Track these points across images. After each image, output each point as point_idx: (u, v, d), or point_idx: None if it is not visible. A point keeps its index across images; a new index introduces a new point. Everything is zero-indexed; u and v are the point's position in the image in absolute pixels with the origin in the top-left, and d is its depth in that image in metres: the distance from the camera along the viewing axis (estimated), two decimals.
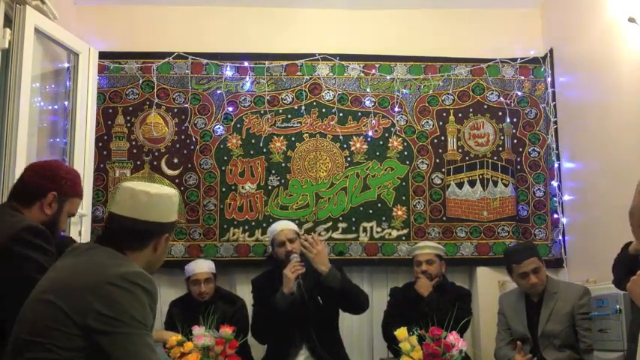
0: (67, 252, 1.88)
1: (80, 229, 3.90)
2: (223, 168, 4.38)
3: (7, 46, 3.38)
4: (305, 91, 4.48)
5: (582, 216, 4.16)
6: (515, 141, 4.50)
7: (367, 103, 4.49)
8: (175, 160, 4.39)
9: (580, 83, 4.16)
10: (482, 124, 4.51)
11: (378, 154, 4.43)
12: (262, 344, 3.78)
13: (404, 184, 4.40)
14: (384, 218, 4.35)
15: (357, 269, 4.33)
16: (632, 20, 3.31)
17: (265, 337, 3.70)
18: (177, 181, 4.35)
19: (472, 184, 4.43)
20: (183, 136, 4.41)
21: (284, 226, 3.74)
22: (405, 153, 4.44)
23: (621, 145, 3.56)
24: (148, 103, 4.43)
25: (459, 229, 4.37)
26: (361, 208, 4.36)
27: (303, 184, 4.38)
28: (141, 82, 4.44)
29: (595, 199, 3.93)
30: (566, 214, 4.34)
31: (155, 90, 4.44)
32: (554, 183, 4.41)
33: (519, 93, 4.54)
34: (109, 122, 4.40)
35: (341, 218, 4.34)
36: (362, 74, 4.52)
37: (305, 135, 4.44)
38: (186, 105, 4.43)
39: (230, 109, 4.44)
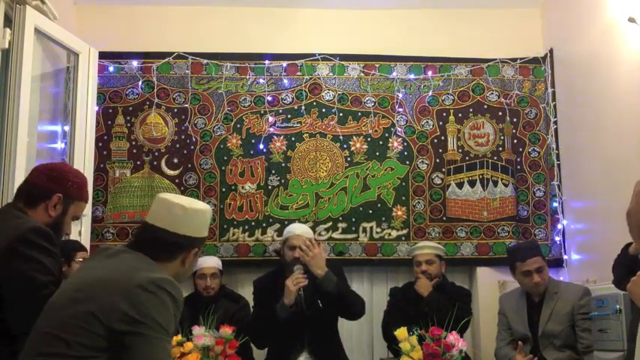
0: (97, 252, 1.92)
1: (80, 229, 3.90)
2: (223, 168, 4.38)
3: (7, 46, 3.38)
4: (305, 91, 4.49)
5: (582, 216, 4.16)
6: (515, 141, 4.51)
7: (367, 103, 4.49)
8: (175, 160, 4.39)
9: (580, 83, 4.16)
10: (482, 124, 4.51)
11: (378, 154, 4.43)
12: (258, 348, 3.72)
13: (404, 184, 4.40)
14: (383, 218, 4.35)
15: (357, 269, 4.34)
16: (632, 20, 3.31)
17: (261, 341, 3.65)
18: (177, 181, 4.35)
19: (472, 184, 4.43)
20: (183, 136, 4.41)
21: (302, 232, 3.64)
22: (405, 153, 4.44)
23: (621, 145, 3.56)
24: (148, 103, 4.43)
25: (459, 229, 4.37)
26: (361, 208, 4.36)
27: (303, 184, 4.38)
28: (141, 82, 4.45)
29: (595, 199, 3.93)
30: (566, 214, 4.34)
31: (155, 90, 4.44)
32: (554, 183, 4.41)
33: (519, 93, 4.55)
34: (109, 122, 4.40)
35: (341, 218, 4.34)
36: (362, 74, 4.53)
37: (305, 135, 4.45)
38: (186, 105, 4.44)
39: (230, 109, 4.44)
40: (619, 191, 3.15)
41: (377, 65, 4.54)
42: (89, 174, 4.09)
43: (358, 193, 4.38)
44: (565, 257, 4.31)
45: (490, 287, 4.30)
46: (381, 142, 4.45)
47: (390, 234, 4.34)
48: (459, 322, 3.26)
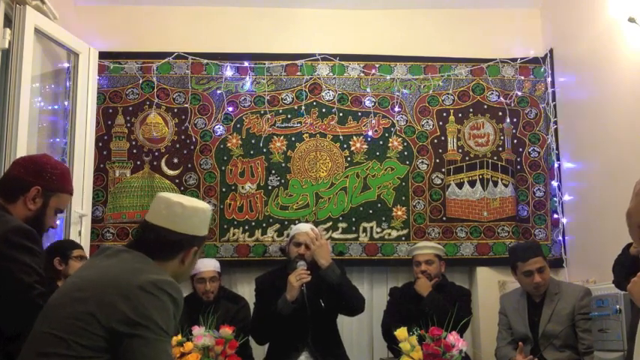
0: (97, 252, 1.91)
1: (80, 229, 3.91)
2: (223, 168, 4.38)
3: (7, 46, 3.38)
4: (305, 91, 4.49)
5: (582, 216, 4.15)
6: (515, 141, 4.50)
7: (367, 103, 4.49)
8: (175, 160, 4.39)
9: (580, 83, 4.16)
10: (482, 124, 4.51)
11: (378, 154, 4.43)
12: (259, 344, 3.76)
13: (404, 184, 4.40)
14: (383, 218, 4.35)
15: (357, 269, 4.33)
16: (632, 20, 3.32)
17: (263, 338, 3.69)
18: (177, 181, 4.35)
19: (472, 184, 4.43)
20: (183, 136, 4.41)
21: (308, 230, 3.71)
22: (405, 153, 4.44)
23: (621, 145, 3.56)
24: (148, 103, 4.43)
25: (459, 229, 4.37)
26: (361, 208, 4.36)
27: (303, 184, 4.38)
28: (141, 82, 4.44)
29: (595, 199, 3.93)
30: (566, 214, 4.34)
31: (155, 90, 4.44)
32: (554, 183, 4.41)
33: (519, 93, 4.55)
34: (109, 122, 4.40)
35: (341, 218, 4.34)
36: (362, 74, 4.53)
37: (305, 135, 4.44)
38: (186, 105, 4.43)
39: (230, 109, 4.44)
40: (619, 191, 3.15)
41: (377, 65, 4.53)
42: (89, 174, 4.10)
43: (358, 193, 4.38)
44: (565, 257, 4.31)
45: (490, 287, 4.30)
46: (381, 142, 4.45)
47: (390, 234, 4.34)
48: (458, 322, 3.26)
